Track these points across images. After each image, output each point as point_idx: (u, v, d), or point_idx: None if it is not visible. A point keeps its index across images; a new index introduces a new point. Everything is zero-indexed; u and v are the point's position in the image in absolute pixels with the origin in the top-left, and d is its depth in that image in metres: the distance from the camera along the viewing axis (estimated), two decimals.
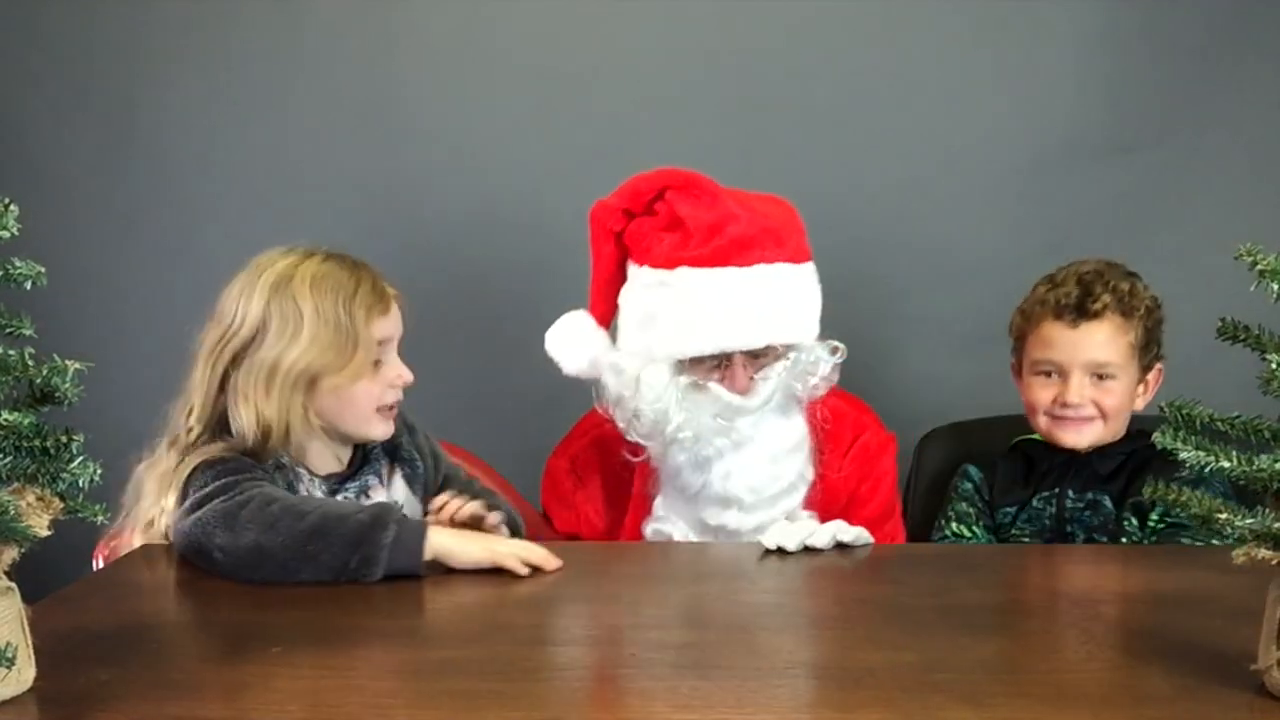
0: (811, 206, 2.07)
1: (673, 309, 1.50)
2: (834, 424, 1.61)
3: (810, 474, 1.60)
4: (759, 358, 1.53)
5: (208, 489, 1.26)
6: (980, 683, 0.91)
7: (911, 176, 2.08)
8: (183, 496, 1.29)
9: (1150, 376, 1.61)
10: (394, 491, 1.45)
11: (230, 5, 2.12)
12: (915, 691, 0.88)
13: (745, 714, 0.86)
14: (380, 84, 2.13)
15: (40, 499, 0.86)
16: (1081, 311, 1.55)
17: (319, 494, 1.38)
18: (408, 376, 1.42)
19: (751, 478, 1.54)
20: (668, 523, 1.58)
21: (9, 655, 0.83)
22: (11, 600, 0.87)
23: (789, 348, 1.53)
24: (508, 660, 0.98)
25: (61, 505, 0.87)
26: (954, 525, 1.63)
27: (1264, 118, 2.04)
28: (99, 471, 0.87)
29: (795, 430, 1.58)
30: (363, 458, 1.45)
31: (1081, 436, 1.58)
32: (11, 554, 0.87)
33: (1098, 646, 0.99)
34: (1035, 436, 1.64)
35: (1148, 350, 1.58)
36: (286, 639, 1.03)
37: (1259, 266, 0.82)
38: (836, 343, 1.58)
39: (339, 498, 1.39)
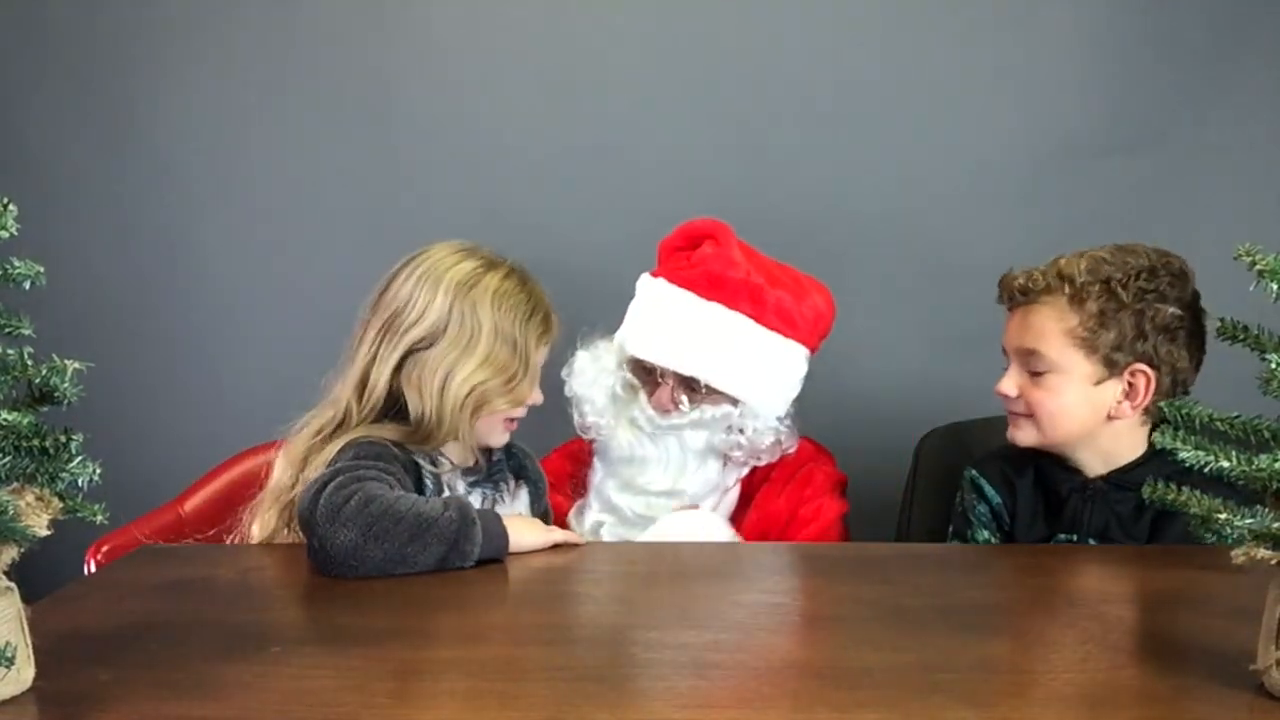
0: (812, 206, 2.09)
1: (634, 310, 1.65)
2: (790, 455, 1.68)
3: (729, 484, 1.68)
4: (694, 390, 1.60)
5: (337, 464, 1.30)
6: (980, 683, 0.91)
7: (911, 176, 2.08)
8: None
9: (1139, 381, 1.39)
10: (517, 504, 1.52)
11: (230, 5, 2.12)
12: (915, 691, 0.88)
13: (744, 714, 0.86)
14: (380, 84, 2.13)
15: (39, 499, 0.86)
16: (1012, 293, 1.43)
17: (460, 485, 1.44)
18: (539, 398, 1.49)
19: (660, 482, 1.62)
20: (592, 510, 1.66)
21: (9, 655, 0.83)
22: (11, 600, 0.87)
23: (734, 401, 1.61)
24: (508, 660, 0.98)
25: (60, 505, 0.87)
26: (981, 534, 1.53)
27: (1264, 117, 2.03)
28: (98, 471, 0.87)
29: (706, 477, 1.64)
30: (490, 462, 1.51)
31: (1018, 433, 1.45)
32: (11, 554, 0.87)
33: (1098, 646, 0.99)
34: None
35: (1099, 340, 1.37)
36: (286, 639, 1.03)
37: (1258, 266, 0.82)
38: (786, 427, 1.65)
39: (476, 493, 1.46)
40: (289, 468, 1.39)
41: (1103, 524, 1.45)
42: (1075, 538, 1.46)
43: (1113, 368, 1.39)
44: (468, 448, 1.47)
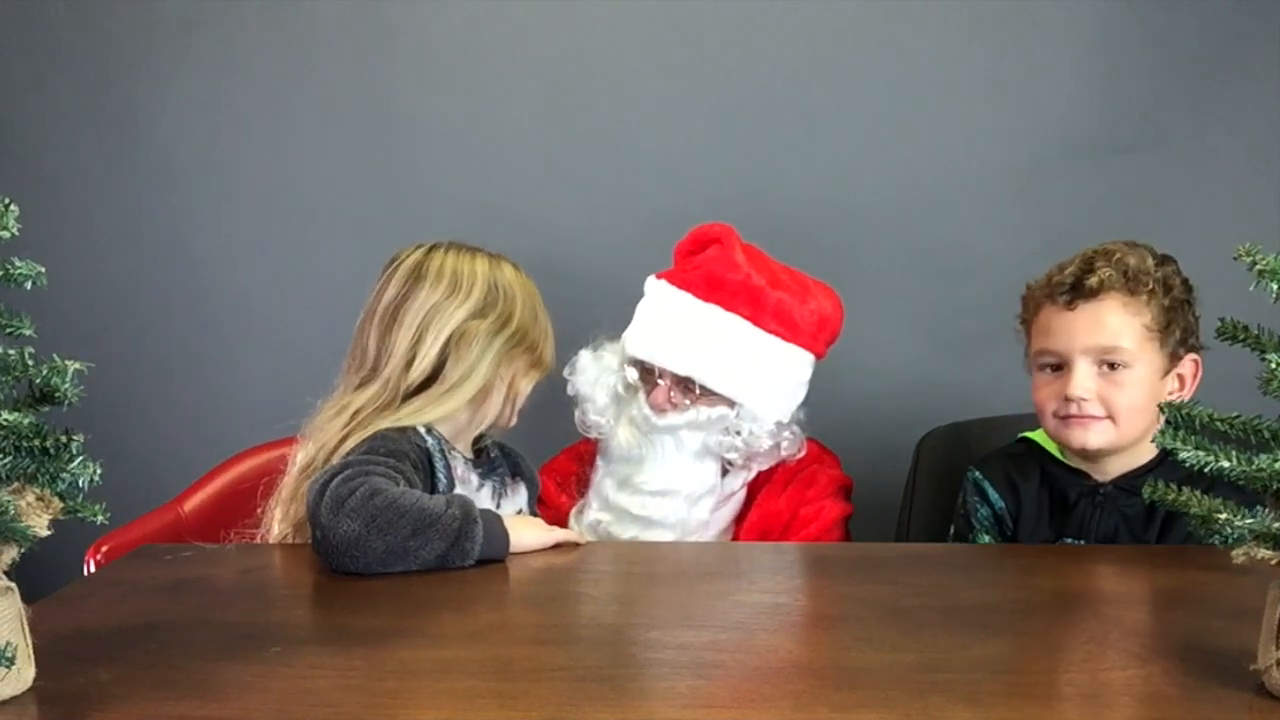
0: (812, 206, 2.09)
1: (638, 312, 1.66)
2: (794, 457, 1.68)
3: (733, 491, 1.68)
4: (691, 390, 1.60)
5: (347, 458, 1.33)
6: (980, 683, 0.91)
7: (911, 176, 2.08)
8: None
9: (1185, 370, 1.41)
10: (518, 499, 1.55)
11: (231, 6, 2.12)
12: (915, 691, 0.88)
13: (744, 714, 0.86)
14: (380, 84, 2.13)
15: (40, 499, 0.86)
16: (1078, 289, 1.38)
17: (474, 477, 1.47)
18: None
19: (656, 482, 1.62)
20: (591, 509, 1.66)
21: (9, 655, 0.83)
22: (11, 600, 0.87)
23: (731, 403, 1.61)
24: (508, 660, 0.98)
25: (61, 505, 0.87)
26: (983, 538, 1.53)
27: (1264, 118, 2.03)
28: (99, 471, 0.87)
29: (703, 478, 1.64)
30: (488, 456, 1.54)
31: (1089, 435, 1.39)
32: (11, 554, 0.87)
33: (1098, 646, 0.99)
34: (1050, 449, 1.51)
35: (1170, 333, 1.38)
36: (286, 639, 1.03)
37: (1258, 266, 0.82)
38: (790, 432, 1.64)
39: (488, 485, 1.50)
40: (319, 451, 1.41)
41: (1111, 529, 1.45)
42: (1082, 542, 1.46)
43: (1174, 360, 1.41)
44: (473, 433, 1.50)
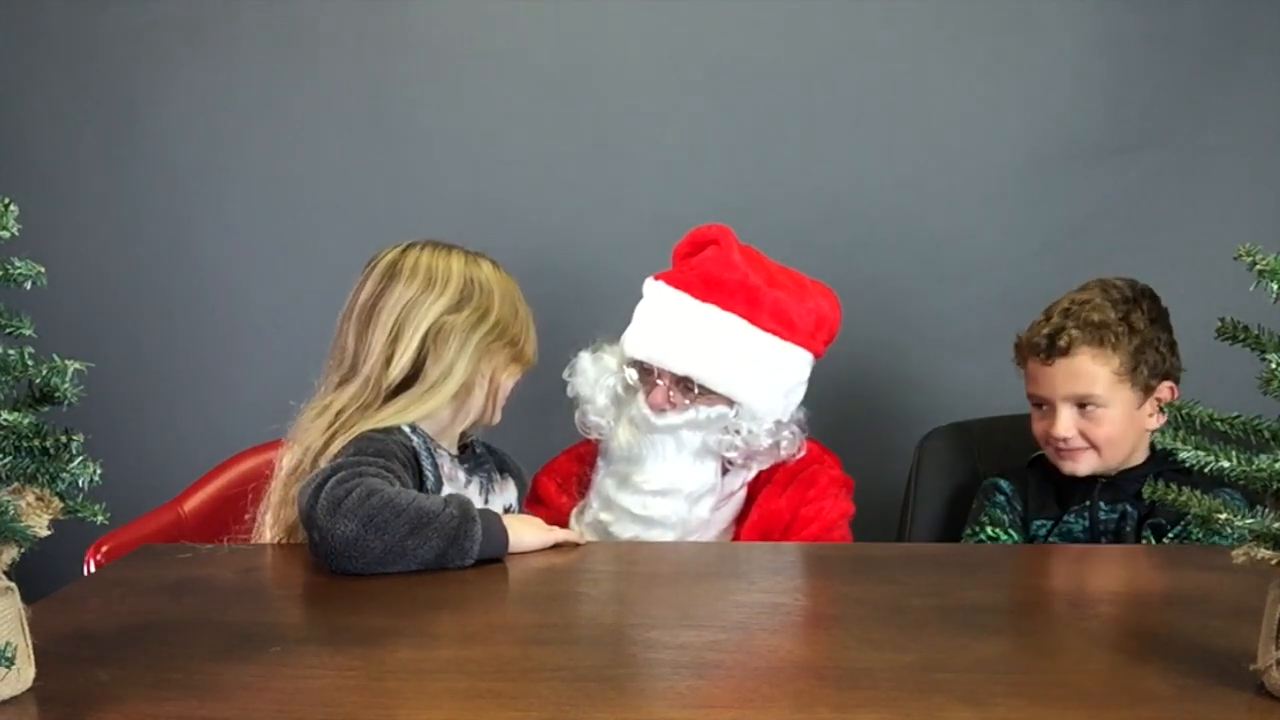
0: (812, 206, 2.09)
1: (637, 313, 1.65)
2: (794, 457, 1.67)
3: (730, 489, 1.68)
4: (689, 390, 1.60)
5: (338, 460, 1.33)
6: (980, 683, 0.91)
7: (911, 176, 2.08)
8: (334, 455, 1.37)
9: (1163, 396, 1.59)
10: (507, 495, 1.56)
11: (231, 5, 2.12)
12: (915, 691, 0.88)
13: (744, 714, 0.86)
14: (380, 84, 2.13)
15: (40, 499, 0.86)
16: (1051, 350, 1.56)
17: (461, 474, 1.48)
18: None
19: (656, 481, 1.62)
20: (592, 509, 1.65)
21: (9, 655, 0.83)
22: (11, 600, 0.87)
23: (730, 402, 1.60)
24: (508, 660, 0.98)
25: (61, 505, 0.87)
26: (989, 530, 1.63)
27: (1264, 118, 2.04)
28: (99, 471, 0.87)
29: (703, 477, 1.63)
30: (474, 453, 1.55)
31: (1078, 466, 1.59)
32: (11, 554, 0.87)
33: (1097, 646, 1.00)
34: None
35: (1138, 372, 1.55)
36: (286, 639, 1.03)
37: (1258, 266, 0.82)
38: (790, 432, 1.64)
39: (475, 481, 1.50)
40: (305, 454, 1.40)
41: (1112, 497, 1.60)
42: (1088, 504, 1.59)
43: (1148, 391, 1.58)
44: (457, 429, 1.50)
